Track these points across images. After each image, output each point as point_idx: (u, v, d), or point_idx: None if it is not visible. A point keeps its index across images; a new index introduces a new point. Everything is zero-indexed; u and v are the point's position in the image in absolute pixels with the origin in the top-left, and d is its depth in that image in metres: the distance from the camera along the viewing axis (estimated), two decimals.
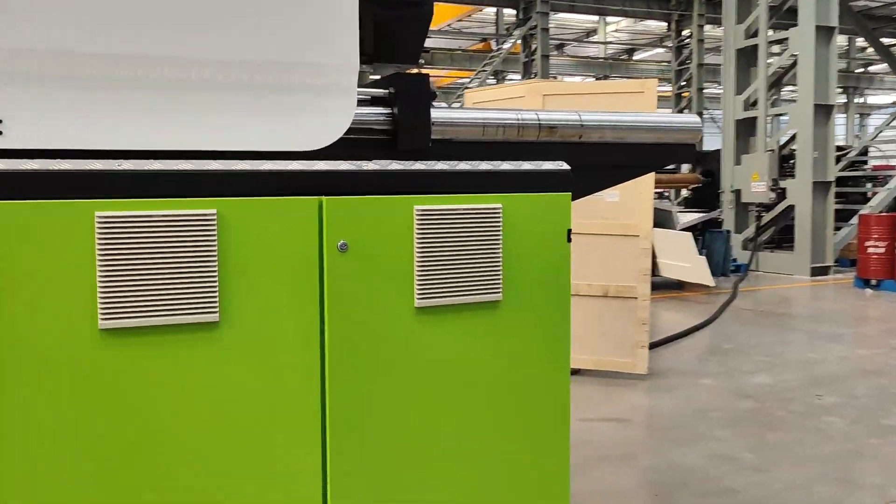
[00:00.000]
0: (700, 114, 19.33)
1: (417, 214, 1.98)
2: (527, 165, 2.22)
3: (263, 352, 1.83)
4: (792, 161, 12.59)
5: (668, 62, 23.77)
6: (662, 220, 10.03)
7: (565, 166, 2.23)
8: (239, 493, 1.82)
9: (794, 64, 13.19)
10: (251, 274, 1.82)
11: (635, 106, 5.62)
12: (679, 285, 10.32)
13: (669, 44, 22.74)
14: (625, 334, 5.84)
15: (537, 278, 2.15)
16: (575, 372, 5.98)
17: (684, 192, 15.04)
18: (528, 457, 2.15)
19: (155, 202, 1.74)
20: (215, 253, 1.78)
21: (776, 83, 14.71)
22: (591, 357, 5.93)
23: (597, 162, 2.99)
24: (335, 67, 2.14)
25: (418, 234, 1.98)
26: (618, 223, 5.78)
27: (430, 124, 2.60)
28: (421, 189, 2.06)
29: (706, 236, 10.06)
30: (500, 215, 2.09)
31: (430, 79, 2.69)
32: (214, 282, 1.78)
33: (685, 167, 13.83)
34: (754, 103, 13.22)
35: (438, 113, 2.68)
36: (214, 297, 1.78)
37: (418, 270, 1.97)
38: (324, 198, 1.90)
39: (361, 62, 2.96)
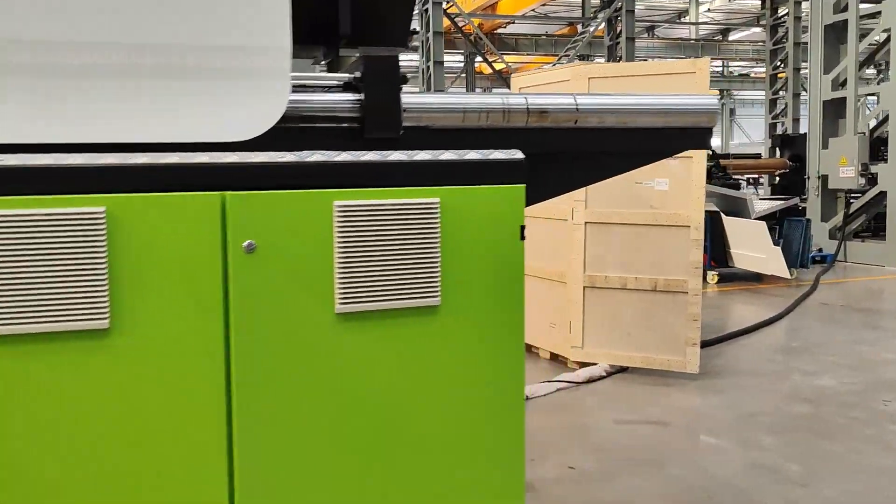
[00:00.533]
0: (797, 95, 18.36)
1: (338, 211, 1.80)
2: (473, 155, 2.01)
3: (160, 361, 1.70)
4: (884, 146, 11.76)
5: (763, 42, 22.70)
6: (737, 208, 9.51)
7: (518, 155, 2.01)
8: None
9: (887, 40, 12.30)
10: (147, 277, 1.69)
11: (687, 88, 5.26)
12: (757, 277, 9.79)
13: (764, 22, 21.68)
14: (675, 331, 5.51)
15: (485, 280, 1.94)
16: (623, 370, 5.69)
17: (762, 179, 14.33)
18: (473, 474, 1.95)
19: (38, 200, 1.62)
20: (105, 254, 1.65)
21: (867, 61, 13.78)
22: (639, 354, 5.63)
23: (597, 149, 2.75)
24: (263, 50, 1.97)
25: (339, 232, 1.80)
26: (667, 213, 5.45)
27: (399, 111, 2.42)
28: (348, 183, 1.88)
29: (784, 225, 9.50)
30: (438, 211, 1.89)
31: (400, 61, 2.50)
32: (104, 286, 1.65)
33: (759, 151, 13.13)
34: (843, 83, 12.41)
35: (412, 98, 2.50)
36: (104, 302, 1.65)
37: (339, 273, 1.80)
38: (227, 193, 1.74)
39: (336, 45, 2.80)
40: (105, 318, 1.65)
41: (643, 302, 5.59)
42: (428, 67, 19.03)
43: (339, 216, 1.81)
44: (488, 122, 2.61)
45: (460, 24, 22.25)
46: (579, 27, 26.13)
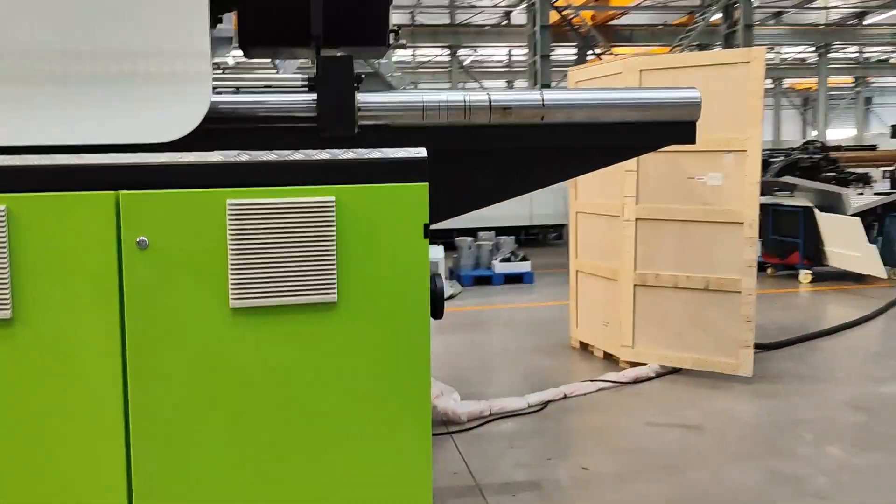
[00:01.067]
0: None
1: (230, 209, 1.88)
2: (374, 154, 2.03)
3: (61, 351, 1.82)
4: None
5: None
6: (832, 203, 8.98)
7: (421, 153, 2.02)
8: (40, 495, 1.83)
9: None
10: (47, 271, 1.81)
11: (740, 78, 5.04)
12: (857, 277, 9.23)
13: None
14: (727, 332, 5.29)
15: (386, 278, 1.97)
16: (674, 371, 5.52)
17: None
18: (375, 469, 1.99)
19: None
20: (5, 250, 1.78)
21: None
22: (690, 356, 5.44)
23: (566, 144, 2.72)
24: (182, 54, 2.07)
25: (231, 230, 1.87)
26: (720, 209, 5.24)
27: (354, 110, 2.49)
28: (247, 182, 1.94)
29: (886, 221, 8.88)
30: (333, 209, 1.93)
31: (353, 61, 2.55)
32: (5, 279, 1.79)
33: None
34: None
35: (370, 97, 2.56)
36: (6, 294, 1.79)
37: (233, 269, 1.87)
38: (121, 192, 1.84)
39: (306, 45, 2.87)
40: (7, 309, 1.79)
41: (694, 301, 5.40)
42: (535, 62, 18.87)
43: (231, 214, 1.88)
44: (449, 119, 2.63)
45: (571, 17, 21.94)
46: (698, 16, 25.23)
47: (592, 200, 6.04)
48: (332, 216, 1.92)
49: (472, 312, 8.26)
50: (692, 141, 2.81)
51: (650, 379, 5.41)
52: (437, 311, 2.35)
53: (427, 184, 2.06)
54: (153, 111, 2.04)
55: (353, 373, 1.94)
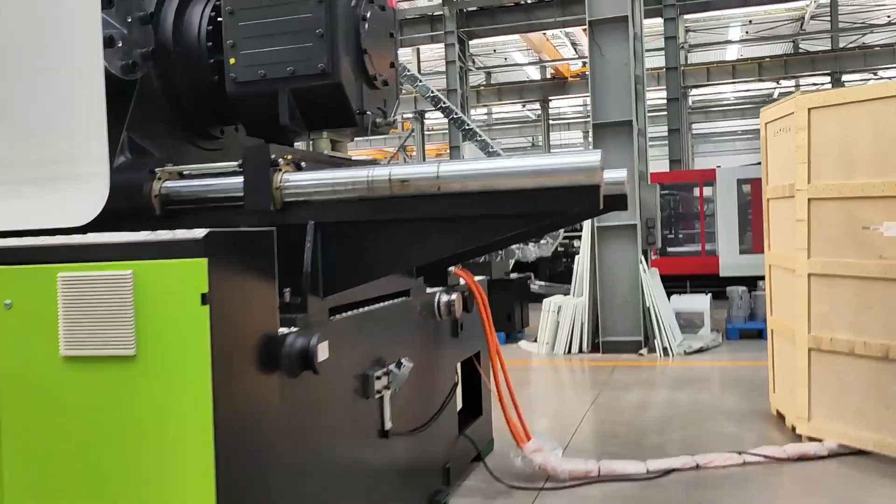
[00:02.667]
0: None
1: (61, 280, 2.38)
2: (164, 235, 2.38)
3: None
4: None
5: None
6: None
7: (200, 234, 2.31)
8: None
9: None
10: None
11: None
12: None
13: None
14: None
15: (172, 337, 2.31)
16: (856, 452, 4.73)
17: None
18: None
19: None
20: None
21: None
22: (872, 436, 4.63)
23: (462, 214, 2.83)
24: (85, 159, 2.66)
25: (62, 295, 2.37)
26: None
27: (269, 190, 2.88)
28: (76, 258, 2.40)
29: None
30: (131, 280, 2.33)
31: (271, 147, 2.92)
32: None
33: None
34: None
35: (290, 176, 2.94)
36: None
37: (63, 325, 2.37)
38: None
39: (276, 138, 3.32)
40: None
41: (873, 371, 4.61)
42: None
43: (62, 284, 2.38)
44: (355, 193, 2.89)
45: None
46: None
47: (778, 251, 5.45)
48: (130, 285, 2.33)
49: (703, 369, 7.77)
50: (596, 206, 2.67)
51: (820, 458, 4.72)
52: (291, 368, 2.61)
53: (205, 259, 2.34)
54: (64, 202, 2.64)
55: (148, 417, 2.31)
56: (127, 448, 2.35)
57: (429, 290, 4.15)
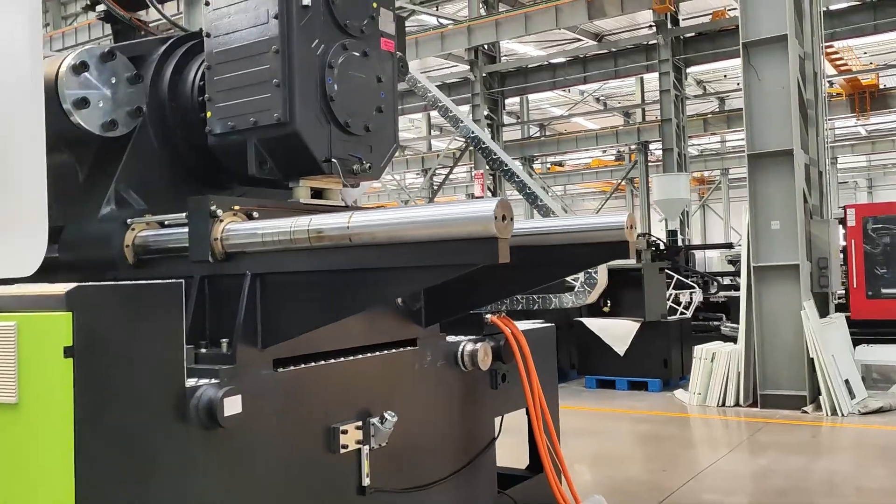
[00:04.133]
0: None
1: None
2: (39, 289, 2.47)
3: None
4: None
5: None
6: None
7: (63, 289, 2.37)
8: None
9: None
10: None
11: None
12: None
13: None
14: None
15: (45, 388, 2.39)
16: None
17: None
18: None
19: None
20: None
21: None
22: None
23: (373, 266, 2.74)
24: (25, 215, 2.86)
25: None
26: None
27: (208, 240, 2.97)
28: None
29: None
30: (15, 332, 2.44)
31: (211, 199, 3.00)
32: None
33: None
34: None
35: (233, 227, 3.01)
36: None
37: None
38: None
39: (244, 184, 3.43)
40: None
41: None
42: None
43: None
44: (280, 245, 2.87)
45: None
46: None
47: None
48: (13, 336, 2.44)
49: (877, 434, 6.69)
50: (495, 258, 2.42)
51: None
52: (201, 422, 2.61)
53: (69, 313, 2.38)
54: (13, 255, 2.86)
55: (23, 464, 2.40)
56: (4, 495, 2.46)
57: (455, 338, 3.97)
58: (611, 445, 6.71)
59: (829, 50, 23.77)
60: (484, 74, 24.28)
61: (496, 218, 2.37)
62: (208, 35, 3.31)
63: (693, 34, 22.63)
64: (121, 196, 3.32)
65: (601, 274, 3.96)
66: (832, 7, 18.76)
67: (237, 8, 3.23)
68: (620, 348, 8.88)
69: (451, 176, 35.48)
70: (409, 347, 3.63)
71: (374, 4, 3.46)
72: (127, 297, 2.52)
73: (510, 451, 4.51)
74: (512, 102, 30.90)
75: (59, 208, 3.42)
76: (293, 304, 2.92)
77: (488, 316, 4.19)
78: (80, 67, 3.15)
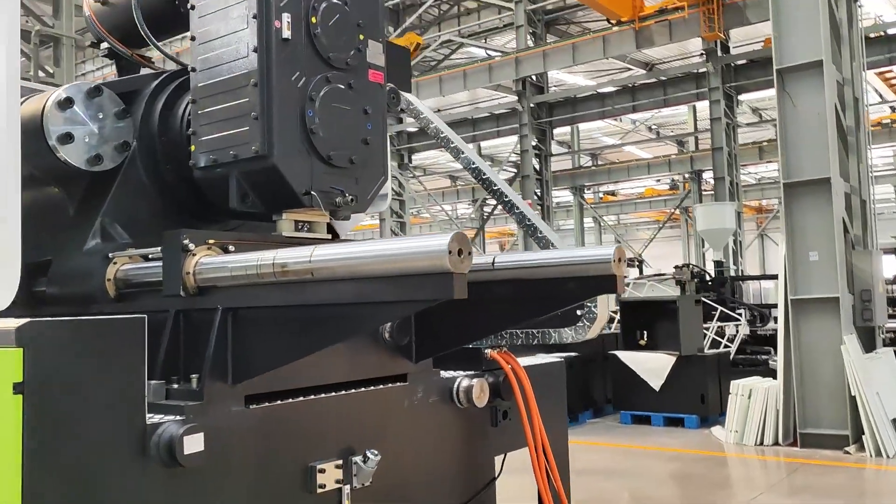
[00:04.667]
0: None
1: None
2: None
3: None
4: None
5: None
6: None
7: (11, 325, 2.35)
8: None
9: None
10: None
11: None
12: None
13: None
14: None
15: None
16: None
17: None
18: None
19: None
20: None
21: None
22: None
23: (334, 301, 2.69)
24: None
25: None
26: None
27: (180, 274, 2.96)
28: None
29: None
30: None
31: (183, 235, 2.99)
32: None
33: None
34: None
35: (206, 260, 3.00)
36: None
37: None
38: None
39: (236, 218, 3.40)
40: None
41: None
42: None
43: None
44: (247, 280, 2.84)
45: None
46: None
47: None
48: None
49: None
50: (450, 295, 2.33)
51: None
52: (162, 460, 2.58)
53: (20, 350, 2.36)
54: None
55: None
56: None
57: (451, 373, 3.87)
58: (639, 485, 6.50)
59: (888, 75, 23.12)
60: (532, 105, 24.27)
61: (450, 253, 2.29)
62: (193, 69, 3.32)
63: (744, 61, 22.31)
64: (106, 230, 3.33)
65: (601, 308, 3.81)
66: (890, 32, 18.28)
67: (221, 42, 3.24)
68: (656, 383, 8.63)
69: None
70: (398, 383, 3.55)
71: (361, 37, 3.43)
72: (81, 333, 2.50)
73: (520, 492, 4.37)
74: (563, 132, 30.82)
75: (49, 242, 3.49)
76: (262, 339, 2.88)
77: (488, 351, 4.08)
78: (65, 103, 3.19)
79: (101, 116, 3.31)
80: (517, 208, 4.03)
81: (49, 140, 3.16)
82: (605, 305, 3.96)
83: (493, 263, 3.06)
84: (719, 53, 21.72)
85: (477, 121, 27.75)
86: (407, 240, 2.46)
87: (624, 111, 25.33)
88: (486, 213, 31.28)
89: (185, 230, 2.93)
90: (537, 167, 24.06)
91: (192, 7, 3.34)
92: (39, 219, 3.64)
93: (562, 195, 35.29)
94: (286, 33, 3.14)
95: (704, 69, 22.53)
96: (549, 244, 3.96)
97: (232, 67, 3.18)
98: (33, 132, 3.19)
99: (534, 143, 24.30)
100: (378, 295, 2.48)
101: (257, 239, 3.17)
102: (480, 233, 30.38)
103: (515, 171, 25.63)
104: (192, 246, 2.91)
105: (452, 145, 4.23)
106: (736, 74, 22.17)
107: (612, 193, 38.23)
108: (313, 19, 3.23)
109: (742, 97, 23.18)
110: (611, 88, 25.65)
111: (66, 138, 3.18)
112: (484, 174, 4.14)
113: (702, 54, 22.85)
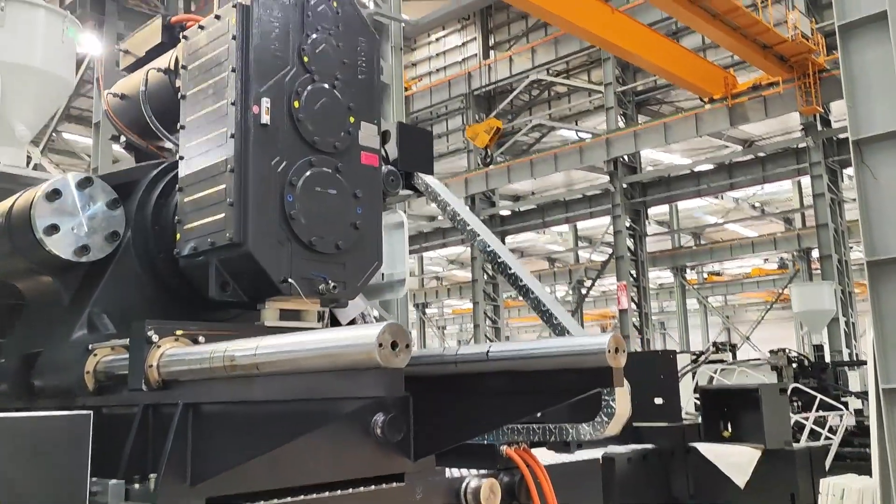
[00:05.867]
0: None
1: None
2: None
3: None
4: None
5: None
6: None
7: None
8: None
9: None
10: None
11: None
12: None
13: None
14: None
15: None
16: None
17: None
18: None
19: None
20: None
21: None
22: None
23: (280, 396, 2.53)
24: None
25: None
26: None
27: (143, 367, 2.87)
28: None
29: None
30: None
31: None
32: None
33: None
34: None
35: (171, 352, 2.90)
36: None
37: None
38: None
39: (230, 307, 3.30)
40: None
41: None
42: None
43: None
44: (202, 374, 2.72)
45: None
46: None
47: None
48: None
49: None
50: (382, 392, 2.12)
51: None
52: None
53: None
54: None
55: None
56: None
57: (458, 472, 3.59)
58: None
59: None
60: (624, 185, 23.87)
61: (381, 346, 2.08)
62: (181, 157, 3.29)
63: (847, 135, 21.38)
64: (92, 321, 3.28)
65: (620, 402, 3.47)
66: None
67: (204, 131, 3.20)
68: (740, 479, 7.95)
69: (602, 287, 34.62)
70: (393, 483, 3.30)
71: (352, 119, 3.33)
72: (20, 430, 2.41)
73: None
74: (662, 212, 30.11)
75: (43, 333, 3.47)
76: (221, 436, 2.71)
77: (503, 447, 3.78)
78: (52, 195, 3.20)
79: (90, 207, 3.30)
80: (532, 293, 3.78)
81: (36, 233, 3.16)
82: (625, 399, 3.61)
83: (486, 354, 2.82)
84: (819, 127, 20.90)
85: (570, 202, 27.51)
86: (341, 330, 2.27)
87: (721, 189, 24.59)
88: (583, 295, 30.68)
89: (150, 321, 2.83)
90: (632, 247, 23.48)
91: (184, 97, 3.34)
92: (36, 310, 3.65)
93: (663, 275, 34.26)
94: (265, 118, 3.07)
95: (804, 144, 21.71)
96: (565, 332, 3.68)
97: (211, 155, 3.13)
98: (23, 225, 3.21)
99: (627, 224, 23.80)
100: (315, 392, 2.29)
101: (231, 329, 3.04)
102: (578, 314, 29.70)
103: (611, 251, 25.06)
104: (156, 337, 2.80)
105: (469, 228, 4.05)
106: (839, 148, 21.22)
107: (717, 273, 36.90)
108: (296, 104, 3.16)
109: (847, 171, 22.09)
110: (708, 166, 25.01)
111: (52, 229, 3.17)
112: (500, 258, 3.92)
113: (802, 128, 22.05)
